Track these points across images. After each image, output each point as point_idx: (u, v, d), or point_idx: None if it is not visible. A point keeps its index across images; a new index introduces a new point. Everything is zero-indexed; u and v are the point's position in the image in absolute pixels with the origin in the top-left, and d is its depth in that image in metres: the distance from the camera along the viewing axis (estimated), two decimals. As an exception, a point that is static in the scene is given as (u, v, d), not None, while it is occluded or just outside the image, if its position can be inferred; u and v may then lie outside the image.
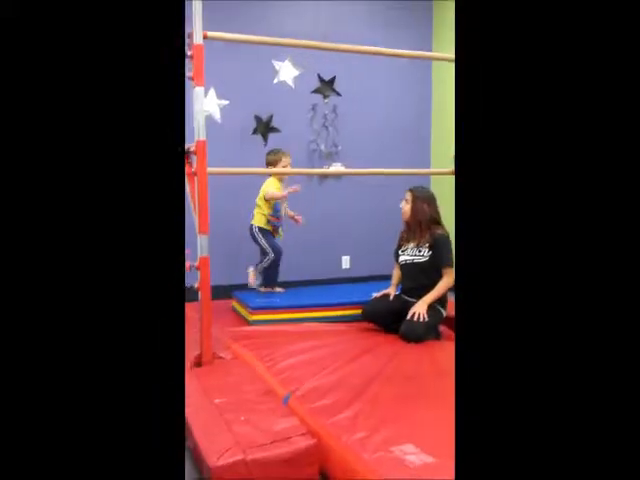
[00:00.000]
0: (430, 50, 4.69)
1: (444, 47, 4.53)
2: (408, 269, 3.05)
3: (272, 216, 3.52)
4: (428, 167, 4.76)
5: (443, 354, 2.57)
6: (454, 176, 3.25)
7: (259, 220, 3.53)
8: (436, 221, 3.01)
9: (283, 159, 3.49)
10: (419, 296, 2.92)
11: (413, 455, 1.55)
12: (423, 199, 3.01)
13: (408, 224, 3.08)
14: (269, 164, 3.51)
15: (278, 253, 3.51)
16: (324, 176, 4.45)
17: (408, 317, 2.82)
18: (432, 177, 4.80)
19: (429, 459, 1.54)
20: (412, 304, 2.89)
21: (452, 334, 3.03)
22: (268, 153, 3.57)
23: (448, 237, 2.98)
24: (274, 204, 3.52)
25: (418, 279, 3.00)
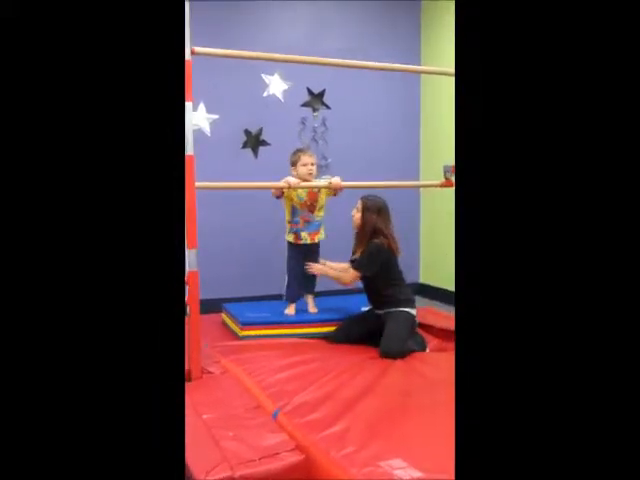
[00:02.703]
0: (418, 62, 4.72)
1: (432, 59, 4.57)
2: (362, 280, 3.07)
3: (290, 222, 3.24)
4: (417, 179, 4.78)
5: (431, 367, 2.57)
6: (442, 187, 3.29)
7: (286, 231, 3.28)
8: (381, 231, 2.96)
9: (302, 158, 3.13)
10: (383, 303, 2.98)
11: (401, 470, 1.55)
12: (372, 209, 2.99)
13: (357, 232, 3.08)
14: (291, 165, 3.20)
15: (290, 273, 3.30)
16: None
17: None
18: (422, 189, 4.83)
19: (417, 474, 1.54)
20: (384, 316, 2.96)
21: (442, 346, 3.04)
22: (292, 153, 3.26)
23: (380, 247, 2.93)
24: (292, 208, 3.21)
25: (371, 288, 3.05)
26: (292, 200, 3.19)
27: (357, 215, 3.04)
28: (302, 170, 3.13)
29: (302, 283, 3.32)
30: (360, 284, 3.11)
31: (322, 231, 3.30)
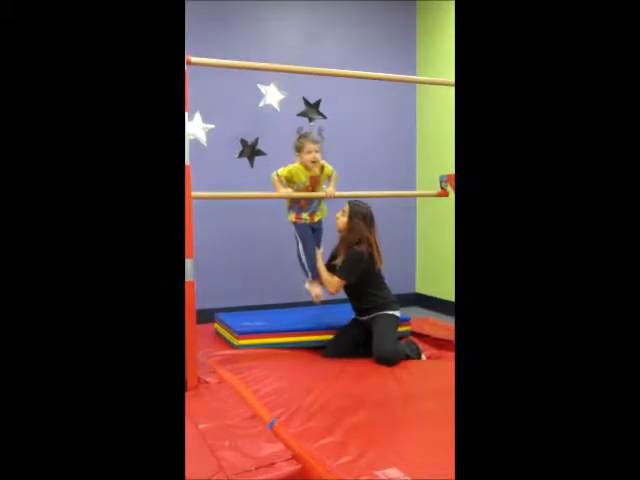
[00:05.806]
0: (414, 73, 4.75)
1: (427, 70, 4.60)
2: (344, 287, 3.06)
3: (291, 204, 3.17)
4: (413, 189, 4.80)
5: (427, 376, 2.57)
6: (439, 197, 3.28)
7: (287, 211, 3.19)
8: (367, 239, 2.96)
9: (306, 145, 3.08)
10: (366, 310, 3.00)
11: (398, 479, 1.55)
12: (360, 215, 2.99)
13: (342, 237, 3.07)
14: (296, 150, 3.15)
15: (305, 242, 3.14)
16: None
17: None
18: (418, 198, 4.84)
19: (414, 483, 1.53)
20: (369, 322, 2.97)
21: (438, 354, 3.04)
22: (297, 137, 3.20)
23: (361, 255, 2.92)
24: (292, 188, 3.12)
25: (353, 296, 3.07)
26: (294, 184, 3.13)
27: (342, 219, 3.05)
28: (306, 158, 3.08)
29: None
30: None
31: (323, 208, 3.22)
